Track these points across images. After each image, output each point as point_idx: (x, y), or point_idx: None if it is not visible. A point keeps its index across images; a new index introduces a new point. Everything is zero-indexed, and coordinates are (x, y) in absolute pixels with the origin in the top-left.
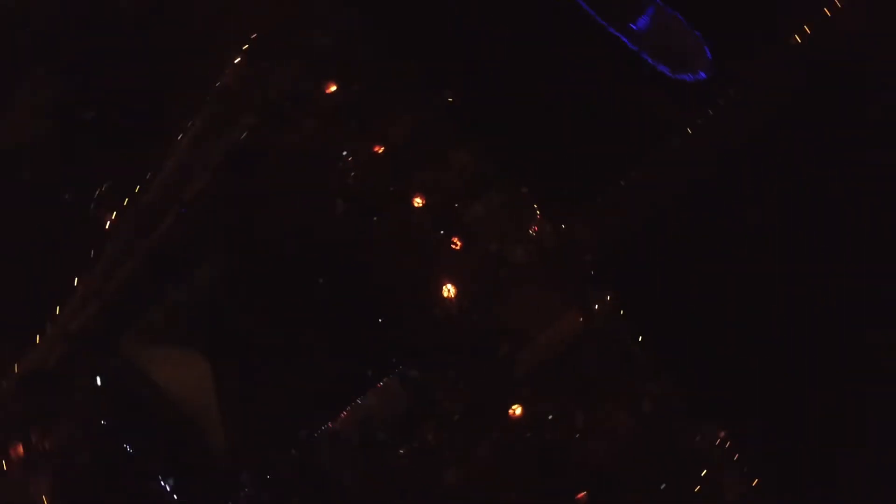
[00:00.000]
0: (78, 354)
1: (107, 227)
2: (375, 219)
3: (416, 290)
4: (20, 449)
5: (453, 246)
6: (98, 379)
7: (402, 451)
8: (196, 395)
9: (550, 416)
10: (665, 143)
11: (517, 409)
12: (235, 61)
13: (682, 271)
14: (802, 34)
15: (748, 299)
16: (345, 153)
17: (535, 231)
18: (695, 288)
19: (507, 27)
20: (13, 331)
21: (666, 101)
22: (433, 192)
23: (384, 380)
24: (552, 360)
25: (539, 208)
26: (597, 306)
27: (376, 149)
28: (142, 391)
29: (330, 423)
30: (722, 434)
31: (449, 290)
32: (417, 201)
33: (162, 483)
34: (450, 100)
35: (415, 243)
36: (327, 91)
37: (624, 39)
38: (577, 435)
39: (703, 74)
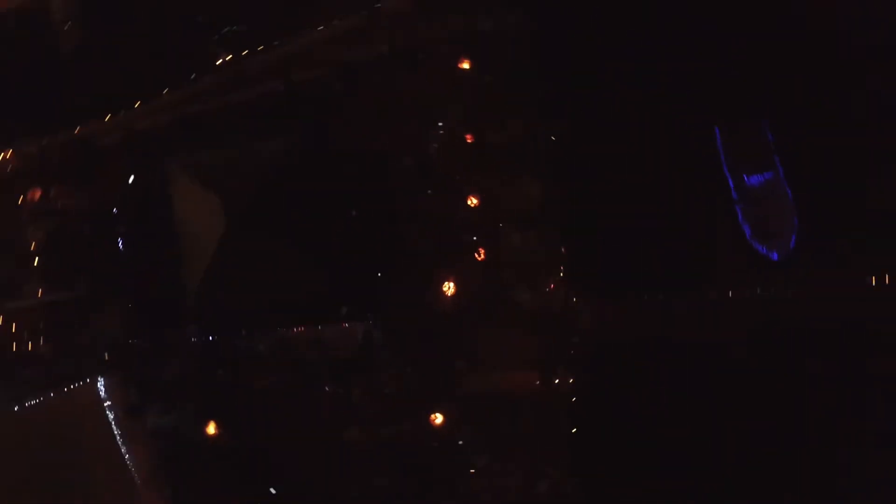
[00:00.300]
0: (130, 148)
1: (217, 63)
2: (429, 192)
3: (423, 271)
4: (37, 194)
5: (477, 255)
6: (132, 177)
7: (326, 389)
8: (199, 238)
9: (460, 442)
10: (701, 288)
11: (438, 418)
12: None
13: (645, 408)
14: (881, 278)
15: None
16: (440, 124)
17: (550, 288)
18: (648, 431)
19: (640, 115)
20: (92, 103)
21: (727, 255)
22: (490, 201)
23: (351, 323)
24: (492, 400)
25: (564, 272)
26: (557, 381)
27: (468, 137)
28: (160, 206)
29: (284, 329)
30: None
31: (449, 288)
32: (472, 200)
33: (130, 300)
34: (553, 138)
35: (448, 233)
36: (460, 65)
37: (731, 183)
38: (472, 472)
39: (775, 255)
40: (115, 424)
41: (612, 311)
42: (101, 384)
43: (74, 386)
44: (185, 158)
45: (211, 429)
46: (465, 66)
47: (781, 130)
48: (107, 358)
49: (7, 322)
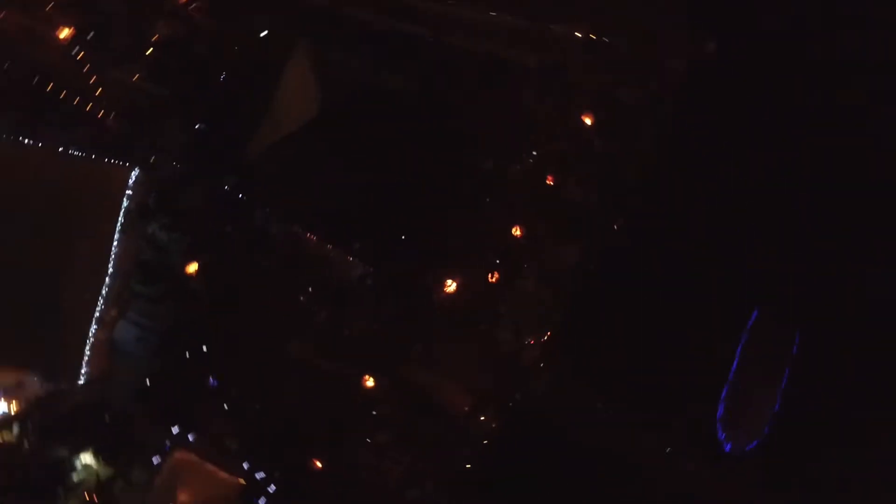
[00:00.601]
0: (281, 10)
1: None
2: (488, 199)
3: (441, 259)
4: None
5: (490, 276)
6: (267, 31)
7: (301, 298)
8: (286, 112)
9: (374, 412)
10: (650, 425)
11: (370, 382)
12: None
13: (539, 485)
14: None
15: None
16: (534, 153)
17: (529, 343)
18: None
19: (699, 261)
20: None
21: (690, 415)
22: (531, 241)
23: (357, 260)
24: (422, 396)
25: (549, 339)
26: (482, 419)
27: (549, 178)
28: (275, 66)
29: (300, 229)
30: None
31: (451, 286)
32: (517, 230)
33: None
34: (615, 227)
35: (482, 242)
36: (583, 116)
37: (735, 362)
38: (368, 441)
39: (728, 446)
40: (122, 213)
41: (564, 394)
42: (134, 175)
43: (112, 162)
44: (317, 46)
45: (192, 268)
46: (587, 120)
47: (808, 350)
48: (152, 160)
49: (96, 85)
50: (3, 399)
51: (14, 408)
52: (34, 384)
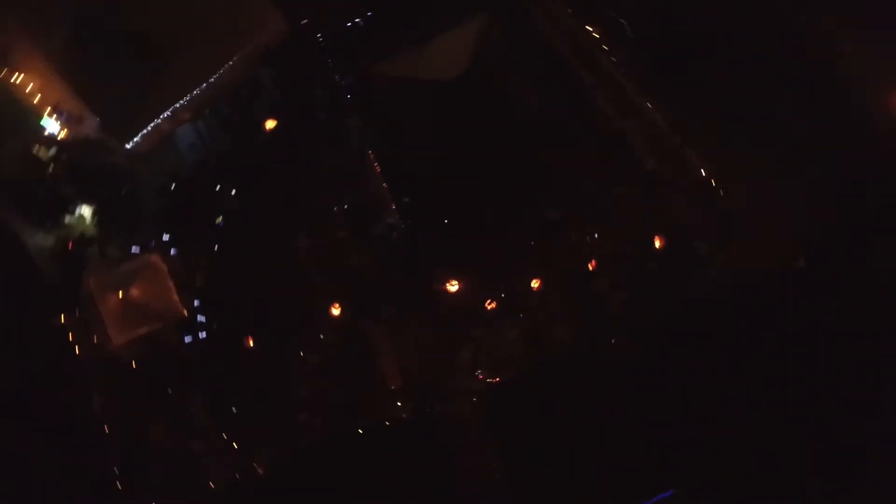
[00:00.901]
0: None
1: None
2: (532, 242)
3: (459, 259)
4: None
5: (489, 302)
6: None
7: (335, 209)
8: (434, 63)
9: (322, 336)
10: None
11: (336, 310)
12: None
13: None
14: None
15: None
16: (596, 235)
17: (479, 375)
18: None
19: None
20: None
21: None
22: (541, 297)
23: (396, 212)
24: (365, 351)
25: (498, 384)
26: (399, 404)
27: (592, 264)
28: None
29: (373, 156)
30: None
31: (451, 286)
32: (536, 283)
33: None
34: (612, 340)
35: (499, 271)
36: (657, 237)
37: None
38: (300, 353)
39: None
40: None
41: (472, 436)
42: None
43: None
44: (495, 27)
45: (270, 124)
46: (657, 242)
47: None
48: (303, 21)
49: None
50: (60, 122)
51: (63, 134)
52: (92, 125)
